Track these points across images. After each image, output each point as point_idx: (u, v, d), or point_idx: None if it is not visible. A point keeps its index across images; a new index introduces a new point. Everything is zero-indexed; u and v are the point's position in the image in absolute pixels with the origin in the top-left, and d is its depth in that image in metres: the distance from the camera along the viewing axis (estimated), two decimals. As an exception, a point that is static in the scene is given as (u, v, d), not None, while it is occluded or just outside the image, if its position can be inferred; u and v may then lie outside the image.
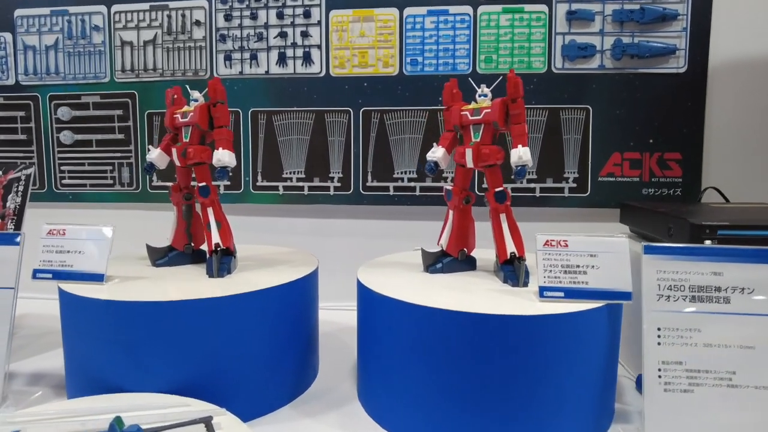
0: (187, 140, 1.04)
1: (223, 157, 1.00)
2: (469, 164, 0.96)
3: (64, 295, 0.94)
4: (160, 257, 1.10)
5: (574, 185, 1.47)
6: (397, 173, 1.51)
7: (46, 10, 1.59)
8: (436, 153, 1.01)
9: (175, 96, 1.09)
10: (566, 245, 0.87)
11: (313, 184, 1.54)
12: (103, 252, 0.96)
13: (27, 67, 1.62)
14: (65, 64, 1.61)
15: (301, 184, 1.54)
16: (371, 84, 1.49)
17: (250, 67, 1.53)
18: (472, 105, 0.99)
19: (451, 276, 1.02)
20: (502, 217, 0.98)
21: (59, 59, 1.61)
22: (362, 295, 0.99)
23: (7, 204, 1.24)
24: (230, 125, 1.08)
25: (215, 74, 1.55)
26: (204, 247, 1.14)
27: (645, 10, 1.40)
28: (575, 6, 1.43)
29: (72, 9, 1.59)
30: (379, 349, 0.94)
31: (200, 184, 1.02)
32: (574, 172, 1.47)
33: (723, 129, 1.43)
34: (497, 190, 0.96)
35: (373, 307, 0.95)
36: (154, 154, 1.07)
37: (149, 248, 1.10)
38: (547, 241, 0.88)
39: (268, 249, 1.27)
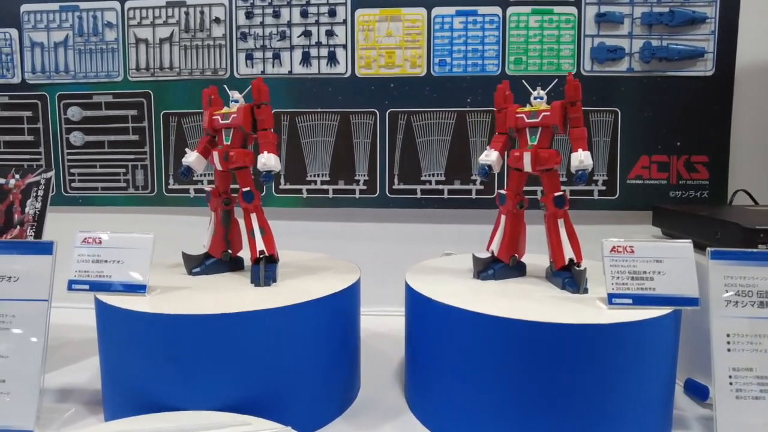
0: (229, 143, 0.99)
1: (269, 161, 0.96)
2: (527, 168, 0.94)
3: (103, 308, 0.89)
4: (196, 265, 1.05)
5: (603, 188, 1.46)
6: (425, 175, 1.48)
7: (54, 5, 1.52)
8: (490, 156, 0.98)
9: (212, 97, 1.05)
10: (632, 251, 0.86)
11: (338, 187, 1.50)
12: (143, 261, 0.91)
13: (34, 65, 1.55)
14: (75, 62, 1.54)
15: (325, 187, 1.50)
16: (398, 85, 1.46)
17: (273, 66, 1.48)
18: (528, 108, 0.97)
19: (503, 283, 1.00)
20: (560, 222, 0.96)
21: (69, 57, 1.54)
22: (415, 303, 0.97)
23: (26, 209, 1.18)
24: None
25: (236, 74, 1.50)
26: (241, 254, 1.10)
27: (674, 13, 1.40)
28: (604, 8, 1.42)
29: (83, 4, 1.52)
30: (438, 359, 0.91)
31: (244, 189, 0.98)
32: (603, 175, 1.46)
33: (750, 131, 1.44)
34: (556, 194, 0.94)
35: (428, 315, 0.92)
36: (192, 158, 1.02)
37: (185, 256, 1.05)
38: (614, 247, 0.86)
39: (301, 255, 1.22)
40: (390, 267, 1.34)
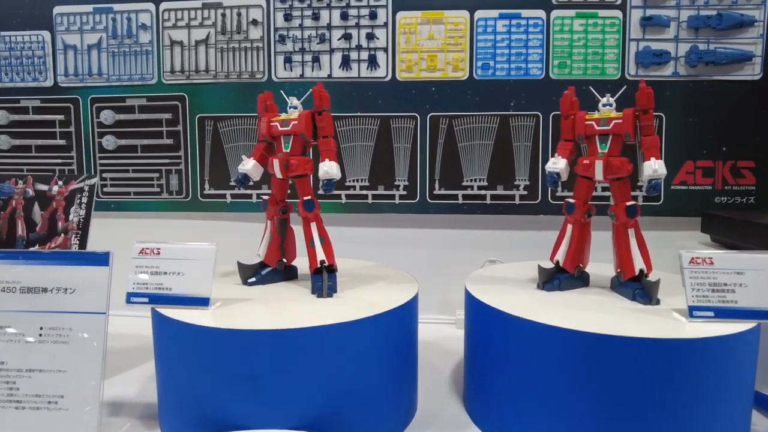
0: (288, 150, 0.97)
1: (331, 169, 0.94)
2: (598, 176, 0.92)
3: (162, 321, 0.86)
4: (251, 275, 1.02)
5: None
6: (467, 181, 1.45)
7: (88, 7, 1.49)
8: (558, 164, 0.96)
9: (268, 102, 1.02)
10: (712, 263, 0.83)
11: (378, 193, 1.48)
12: (206, 272, 0.88)
13: (67, 68, 1.52)
14: (109, 64, 1.51)
15: (364, 192, 1.48)
16: (440, 88, 1.44)
17: (312, 70, 1.46)
18: (597, 115, 0.95)
19: (569, 293, 0.98)
20: (630, 232, 0.93)
21: (102, 59, 1.51)
22: (479, 313, 0.95)
23: (70, 217, 1.15)
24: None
25: (273, 77, 1.47)
26: (296, 263, 1.07)
27: (722, 16, 1.37)
28: (650, 12, 1.40)
29: (117, 6, 1.49)
30: (506, 372, 0.89)
31: (305, 198, 0.96)
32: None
33: (797, 137, 1.42)
34: (629, 204, 0.92)
35: (495, 326, 0.90)
36: (249, 165, 0.99)
37: (240, 266, 1.02)
38: (693, 258, 0.84)
39: (351, 263, 1.20)
40: (431, 274, 1.32)
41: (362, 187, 1.47)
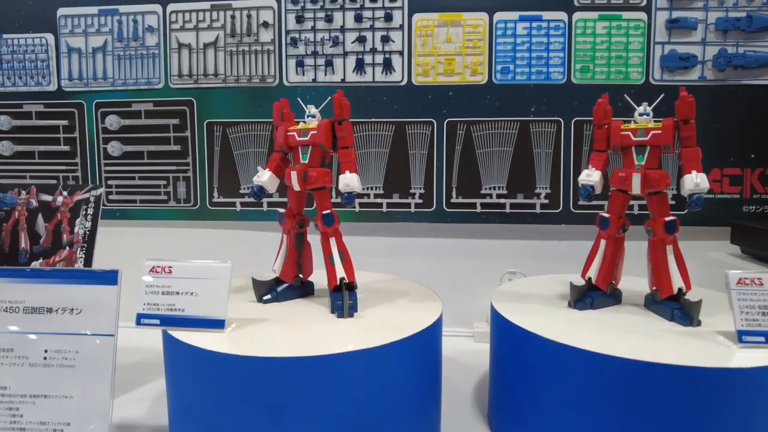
0: (306, 162, 0.92)
1: (352, 181, 0.88)
2: (635, 190, 0.87)
3: (174, 345, 0.81)
4: (266, 292, 0.97)
5: (673, 202, 1.39)
6: (485, 189, 1.40)
7: (93, 9, 1.44)
8: (593, 176, 0.91)
9: (284, 111, 0.97)
10: (761, 284, 0.78)
11: (393, 201, 1.43)
12: (221, 293, 0.83)
13: (71, 72, 1.47)
14: (114, 68, 1.46)
15: (379, 200, 1.43)
16: (457, 93, 1.39)
17: (325, 74, 1.41)
18: (633, 125, 0.90)
19: (602, 312, 0.93)
20: (669, 248, 0.88)
21: (107, 63, 1.46)
22: (506, 333, 0.90)
23: (75, 229, 1.10)
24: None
25: (285, 81, 1.42)
26: (312, 278, 1.02)
27: (753, 18, 1.32)
28: (676, 14, 1.35)
29: (123, 8, 1.44)
30: (538, 397, 0.84)
31: (324, 212, 0.90)
32: (672, 189, 1.39)
33: (828, 143, 1.37)
34: (668, 219, 0.87)
35: (526, 348, 0.85)
36: (265, 177, 0.94)
37: (255, 282, 0.97)
38: (741, 279, 0.79)
39: (367, 276, 1.15)
40: (448, 285, 1.25)
41: (376, 196, 1.42)
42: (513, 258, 1.41)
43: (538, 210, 1.40)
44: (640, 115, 0.90)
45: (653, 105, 0.92)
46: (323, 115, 0.94)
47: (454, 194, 1.41)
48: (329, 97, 0.97)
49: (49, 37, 1.46)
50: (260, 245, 1.49)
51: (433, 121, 1.40)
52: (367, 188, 1.43)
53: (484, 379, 1.20)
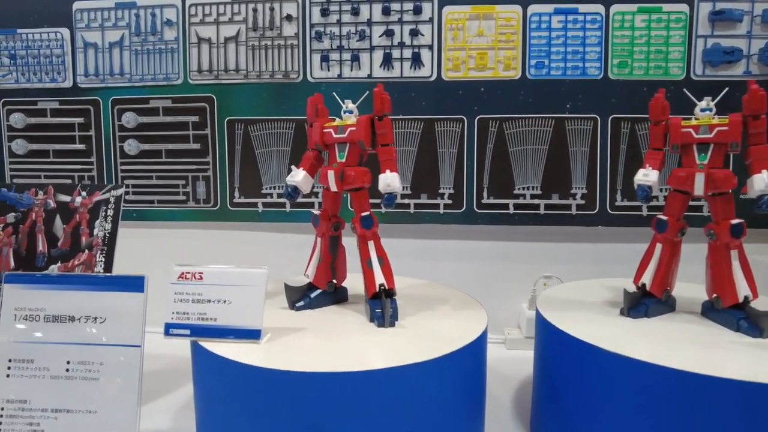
0: (344, 160, 0.86)
1: (393, 181, 0.83)
2: (698, 191, 0.81)
3: (206, 357, 0.76)
4: (299, 298, 0.92)
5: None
6: (518, 189, 1.34)
7: (110, 3, 1.39)
8: (650, 176, 0.85)
9: (318, 106, 0.91)
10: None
11: (421, 202, 1.37)
12: (256, 301, 0.77)
13: (87, 68, 1.42)
14: (131, 63, 1.41)
15: (406, 201, 1.37)
16: (489, 89, 1.33)
17: (351, 69, 1.35)
18: (695, 121, 0.84)
19: (657, 321, 0.87)
20: (733, 253, 0.82)
21: (124, 58, 1.41)
22: (557, 343, 0.84)
23: (95, 231, 1.05)
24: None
25: (309, 77, 1.37)
26: (346, 284, 0.97)
27: (802, 9, 1.26)
28: (720, 5, 1.28)
29: (140, 1, 1.38)
30: (591, 412, 0.79)
31: (363, 214, 0.85)
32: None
33: None
34: (734, 222, 0.81)
35: (580, 360, 0.80)
36: (299, 177, 0.88)
37: (288, 288, 0.92)
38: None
39: (401, 281, 1.09)
40: (479, 289, 1.19)
41: (404, 196, 1.36)
42: (547, 261, 1.36)
43: (573, 211, 1.34)
44: (702, 110, 0.84)
45: (716, 100, 0.86)
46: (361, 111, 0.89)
47: (485, 195, 1.35)
48: (366, 92, 0.92)
49: (65, 32, 1.41)
50: (283, 247, 1.44)
51: (464, 118, 1.34)
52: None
53: (522, 388, 1.15)
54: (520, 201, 1.35)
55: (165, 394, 1.08)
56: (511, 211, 1.35)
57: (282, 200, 1.40)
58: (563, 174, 1.33)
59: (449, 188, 1.36)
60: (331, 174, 0.85)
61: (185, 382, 1.12)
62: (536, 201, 1.34)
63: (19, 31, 1.42)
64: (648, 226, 1.33)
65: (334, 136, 0.86)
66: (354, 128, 0.85)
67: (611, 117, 1.32)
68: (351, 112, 0.88)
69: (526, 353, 1.28)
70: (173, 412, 1.01)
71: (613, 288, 1.05)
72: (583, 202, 1.34)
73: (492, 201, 1.35)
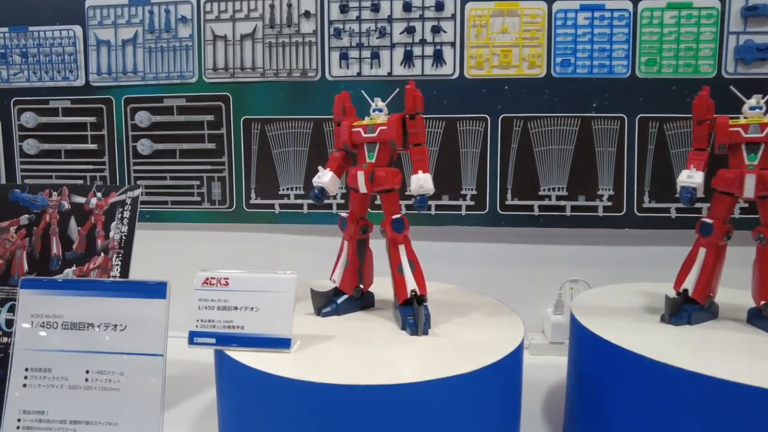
0: (373, 161, 0.83)
1: (426, 182, 0.80)
2: (748, 193, 0.77)
3: (233, 367, 0.72)
4: (325, 304, 0.88)
5: (746, 205, 1.29)
6: (543, 190, 1.30)
7: (123, 0, 1.36)
8: (695, 178, 0.80)
9: (346, 104, 0.88)
10: None
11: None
12: (286, 307, 0.74)
13: (99, 66, 1.38)
14: (145, 61, 1.37)
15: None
16: (513, 87, 1.29)
17: (371, 67, 1.31)
18: (744, 119, 0.80)
19: (702, 329, 0.83)
20: (784, 259, 0.78)
21: (138, 56, 1.37)
22: (596, 350, 0.81)
23: (111, 234, 1.01)
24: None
25: (327, 75, 1.33)
26: (373, 289, 0.93)
27: (838, 5, 1.22)
28: (753, 0, 1.24)
29: (154, -3, 1.35)
30: (635, 425, 0.75)
31: (394, 217, 0.81)
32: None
33: None
34: (786, 225, 0.77)
35: (622, 369, 0.76)
36: (327, 178, 0.85)
37: (314, 293, 0.88)
38: None
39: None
40: (503, 294, 1.16)
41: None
42: (574, 265, 1.32)
43: (600, 213, 1.30)
44: (752, 108, 0.80)
45: (766, 97, 0.82)
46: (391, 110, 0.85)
47: (509, 196, 1.31)
48: (397, 89, 0.88)
49: (77, 30, 1.38)
50: (301, 250, 1.40)
51: (487, 117, 1.30)
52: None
53: (552, 396, 1.11)
54: (546, 203, 1.31)
55: (183, 402, 1.04)
56: (536, 212, 1.31)
57: (299, 201, 1.37)
58: (589, 175, 1.29)
59: (472, 189, 1.32)
60: (360, 175, 0.82)
61: (204, 388, 1.09)
62: (562, 203, 1.30)
63: (30, 28, 1.39)
64: (677, 229, 1.29)
65: (364, 135, 0.83)
66: (385, 127, 0.81)
67: (639, 116, 1.28)
68: (381, 110, 0.84)
69: (551, 359, 1.25)
70: (192, 422, 0.98)
71: (647, 293, 1.01)
72: (609, 203, 1.30)
73: (516, 202, 1.31)
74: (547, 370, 1.20)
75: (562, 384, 1.16)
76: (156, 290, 0.77)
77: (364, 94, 0.87)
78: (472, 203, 1.33)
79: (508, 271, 1.35)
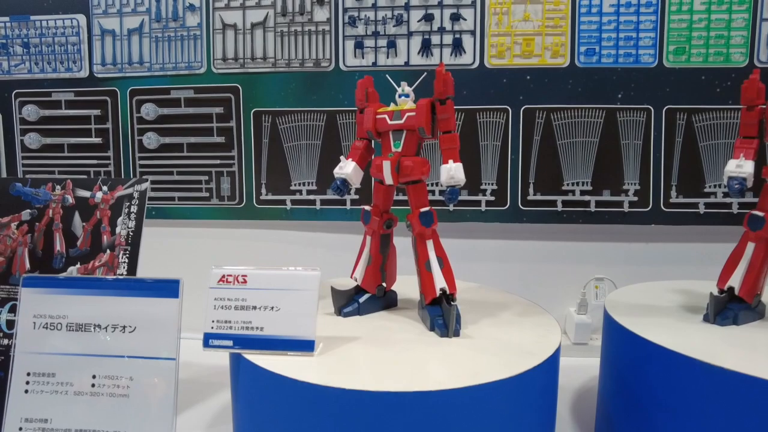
0: (399, 150, 0.77)
1: (457, 172, 0.74)
2: (804, 184, 0.72)
3: (251, 372, 0.67)
4: (346, 303, 0.83)
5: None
6: (567, 184, 1.25)
7: (129, -14, 1.31)
8: (745, 168, 0.75)
9: (369, 90, 0.83)
10: None
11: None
12: (308, 307, 0.68)
13: (104, 56, 1.33)
14: (151, 52, 1.32)
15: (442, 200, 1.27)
16: (536, 77, 1.24)
17: (387, 57, 1.26)
18: (796, 105, 0.75)
19: (750, 329, 0.78)
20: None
21: (144, 46, 1.32)
22: (636, 351, 0.76)
23: (117, 230, 0.96)
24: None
25: (342, 65, 1.28)
26: (395, 287, 0.88)
27: None
28: (788, -15, 1.19)
29: (161, -15, 1.30)
30: (675, 424, 0.70)
31: (422, 210, 0.76)
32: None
33: None
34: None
35: (667, 372, 0.71)
36: (349, 168, 0.79)
37: (335, 292, 0.83)
38: None
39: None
40: (525, 292, 1.11)
41: (442, 192, 1.27)
42: (598, 262, 1.26)
43: (626, 209, 1.24)
44: (806, 93, 0.75)
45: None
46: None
47: (531, 191, 1.26)
48: (425, 73, 0.83)
49: (81, 19, 1.32)
50: (314, 247, 1.35)
51: (509, 108, 1.25)
52: (433, 184, 1.28)
53: (580, 398, 1.06)
54: (569, 197, 1.25)
55: (194, 407, 0.99)
56: (559, 208, 1.26)
57: (311, 197, 1.31)
58: (615, 169, 1.24)
59: (492, 184, 1.27)
60: (386, 165, 0.76)
61: (215, 392, 1.04)
62: (586, 197, 1.25)
63: (32, 17, 1.33)
64: (705, 224, 1.24)
65: (389, 122, 0.77)
66: (413, 113, 0.76)
67: (666, 108, 1.23)
68: (407, 95, 0.79)
69: (574, 360, 1.19)
70: (205, 429, 0.92)
71: (682, 291, 0.96)
72: (635, 198, 1.24)
73: (538, 197, 1.26)
74: (572, 372, 1.15)
75: (589, 386, 1.11)
76: (168, 289, 0.72)
77: (389, 79, 0.82)
78: (493, 198, 1.27)
79: (530, 268, 1.29)
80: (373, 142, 0.83)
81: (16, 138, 1.38)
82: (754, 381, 0.62)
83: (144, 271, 0.95)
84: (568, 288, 1.28)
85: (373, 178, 0.82)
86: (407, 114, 0.76)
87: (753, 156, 0.76)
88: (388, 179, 0.77)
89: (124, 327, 0.72)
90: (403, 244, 0.84)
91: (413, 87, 0.80)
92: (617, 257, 1.27)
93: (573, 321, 1.25)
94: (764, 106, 0.76)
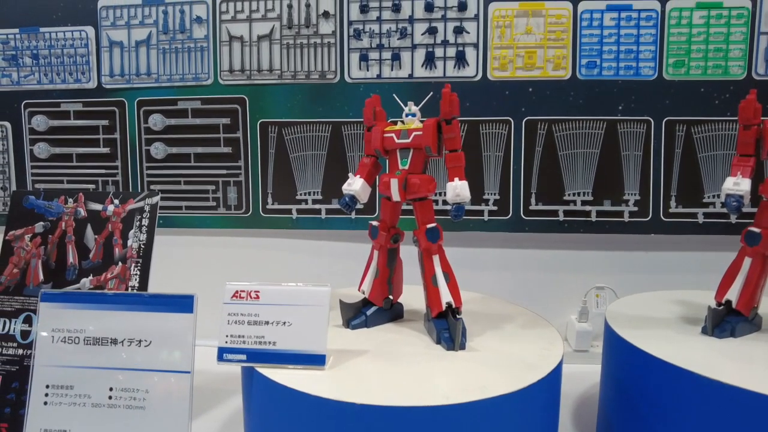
0: (406, 167, 0.80)
1: (463, 190, 0.77)
2: (800, 202, 0.74)
3: (264, 386, 0.69)
4: (354, 315, 0.85)
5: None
6: (568, 195, 1.27)
7: (137, 0, 1.33)
8: (742, 185, 0.77)
9: (376, 108, 0.85)
10: None
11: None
12: (319, 322, 0.71)
13: (112, 68, 1.35)
14: (158, 63, 1.34)
15: (448, 207, 1.29)
16: (538, 89, 1.26)
17: (392, 69, 1.28)
18: (794, 124, 0.77)
19: (748, 342, 0.80)
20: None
21: (151, 58, 1.34)
22: (634, 362, 0.78)
23: (129, 243, 0.98)
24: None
25: (347, 77, 1.30)
26: (401, 299, 0.90)
27: None
28: (785, 0, 1.21)
29: (169, -3, 1.32)
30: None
31: (429, 226, 0.78)
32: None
33: None
34: (841, 236, 0.74)
35: (665, 384, 0.73)
36: (358, 185, 0.82)
37: (343, 305, 0.85)
38: None
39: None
40: (526, 301, 1.13)
41: (445, 202, 1.29)
42: (599, 272, 1.29)
43: (626, 218, 1.27)
44: (803, 113, 0.77)
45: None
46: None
47: (533, 201, 1.28)
48: (431, 93, 0.85)
49: (89, 31, 1.34)
50: (319, 256, 1.37)
51: (511, 119, 1.27)
52: (436, 194, 1.29)
53: (580, 407, 1.08)
54: (571, 207, 1.27)
55: (205, 415, 1.01)
56: (561, 218, 1.28)
57: (317, 207, 1.33)
58: (615, 179, 1.26)
59: (494, 194, 1.29)
60: (394, 182, 0.79)
61: (226, 400, 1.05)
62: (588, 207, 1.27)
63: (41, 29, 1.36)
64: (704, 234, 1.26)
65: (397, 141, 0.80)
66: (420, 132, 0.78)
67: (666, 119, 1.25)
68: (414, 114, 0.81)
69: (575, 368, 1.21)
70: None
71: (681, 301, 0.98)
72: (636, 208, 1.27)
73: (540, 207, 1.28)
74: (572, 380, 1.16)
75: (590, 393, 1.13)
76: (182, 304, 0.74)
77: (396, 99, 0.84)
78: (495, 208, 1.30)
79: (532, 277, 1.32)
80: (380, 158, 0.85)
81: (26, 147, 1.40)
82: (749, 395, 0.64)
83: (153, 279, 0.97)
84: (570, 296, 1.30)
85: (380, 194, 0.84)
86: (414, 133, 0.78)
87: (750, 174, 0.79)
88: (396, 196, 0.79)
89: (140, 341, 0.74)
90: (408, 253, 0.87)
91: (420, 106, 0.82)
92: (618, 266, 1.29)
93: (574, 329, 1.27)
94: (761, 126, 0.79)
